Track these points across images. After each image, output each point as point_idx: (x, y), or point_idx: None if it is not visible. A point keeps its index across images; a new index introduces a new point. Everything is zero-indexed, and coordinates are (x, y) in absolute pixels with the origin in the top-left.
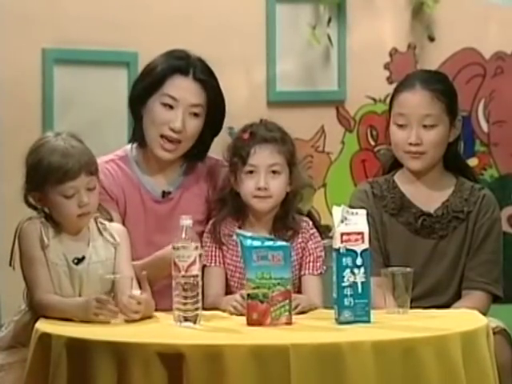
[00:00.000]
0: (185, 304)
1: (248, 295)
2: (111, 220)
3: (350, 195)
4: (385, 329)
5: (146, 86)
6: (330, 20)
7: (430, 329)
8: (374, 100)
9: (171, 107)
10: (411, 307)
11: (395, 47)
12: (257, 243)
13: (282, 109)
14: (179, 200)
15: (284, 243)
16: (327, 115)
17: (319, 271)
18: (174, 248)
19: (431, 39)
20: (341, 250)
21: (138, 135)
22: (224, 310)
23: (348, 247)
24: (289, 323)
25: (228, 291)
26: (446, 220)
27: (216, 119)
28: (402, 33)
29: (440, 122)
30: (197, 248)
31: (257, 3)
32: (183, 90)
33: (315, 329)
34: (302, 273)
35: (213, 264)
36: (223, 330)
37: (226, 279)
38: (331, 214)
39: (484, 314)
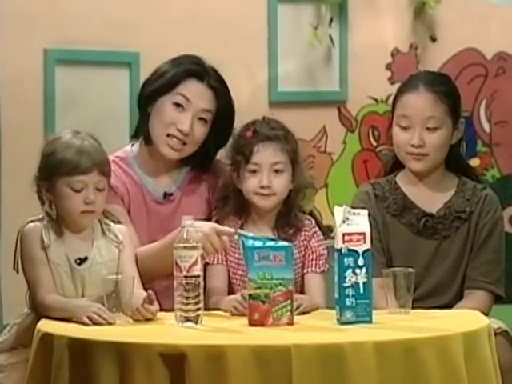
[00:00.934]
0: (186, 304)
1: (250, 295)
2: (118, 222)
3: (351, 195)
4: (386, 329)
5: (159, 86)
6: (331, 20)
7: (432, 329)
8: (376, 100)
9: (182, 108)
10: (413, 307)
11: (397, 47)
12: (258, 243)
13: (284, 109)
14: (180, 201)
15: (286, 243)
16: (329, 115)
17: (322, 269)
18: (175, 248)
19: (433, 39)
20: (342, 251)
21: (143, 131)
22: (225, 310)
23: (350, 247)
24: (290, 323)
25: (230, 289)
26: (448, 220)
27: (224, 130)
28: (403, 33)
29: (443, 124)
30: (198, 248)
31: (258, 3)
32: (197, 93)
33: (317, 329)
34: (305, 271)
35: (215, 262)
36: (225, 330)
37: (229, 277)
38: (333, 214)
39: (486, 313)
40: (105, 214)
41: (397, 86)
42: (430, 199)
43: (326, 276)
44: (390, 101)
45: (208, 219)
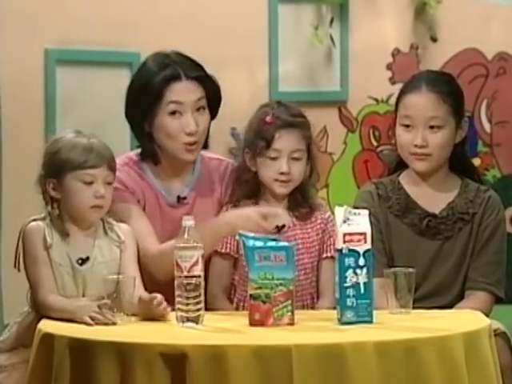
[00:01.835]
0: (187, 304)
1: (250, 295)
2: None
3: (352, 195)
4: (387, 329)
5: (146, 104)
6: (332, 20)
7: (433, 329)
8: (377, 100)
9: (180, 113)
10: (414, 308)
11: (397, 47)
12: (259, 243)
13: None
14: (194, 203)
15: (286, 244)
16: (329, 115)
17: None
18: (176, 248)
19: (434, 39)
20: (343, 251)
21: (148, 152)
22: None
23: (350, 248)
24: (291, 324)
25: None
26: (451, 221)
27: (214, 104)
28: (404, 33)
29: (446, 124)
30: (199, 248)
31: (259, 4)
32: (183, 92)
33: (317, 329)
34: (324, 255)
35: (224, 250)
36: (226, 330)
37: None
38: (334, 214)
39: (487, 314)
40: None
41: (397, 86)
42: (433, 199)
43: None
44: (391, 101)
45: None
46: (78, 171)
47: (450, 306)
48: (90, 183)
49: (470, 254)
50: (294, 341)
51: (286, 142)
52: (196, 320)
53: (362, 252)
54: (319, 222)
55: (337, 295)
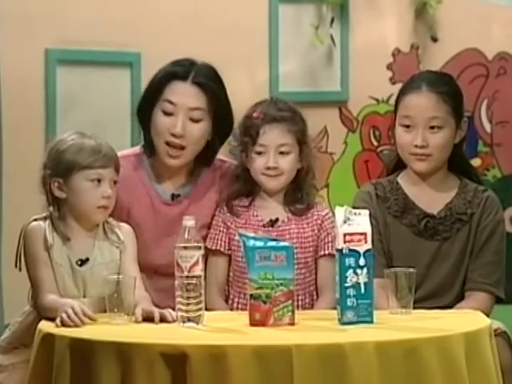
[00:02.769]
0: (188, 304)
1: (251, 295)
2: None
3: (352, 196)
4: (388, 329)
5: (147, 96)
6: (332, 20)
7: (433, 329)
8: (377, 100)
9: (171, 114)
10: (414, 308)
11: (398, 47)
12: (259, 243)
13: None
14: (190, 203)
15: (287, 244)
16: (330, 115)
17: None
18: (176, 248)
19: (434, 40)
20: (344, 251)
21: (147, 147)
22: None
23: (351, 248)
24: (291, 324)
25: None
26: (449, 222)
27: (222, 126)
28: (404, 33)
29: (446, 124)
30: (200, 248)
31: (260, 3)
32: (181, 94)
33: (318, 329)
34: (320, 253)
35: (215, 247)
36: (226, 330)
37: (236, 261)
38: (334, 214)
39: (487, 315)
40: None
41: (398, 86)
42: (432, 200)
43: None
44: (391, 101)
45: None
46: (87, 171)
47: (449, 307)
48: (98, 183)
49: (469, 255)
50: (294, 341)
51: (270, 136)
52: (196, 320)
53: (362, 252)
54: (315, 218)
55: (337, 295)
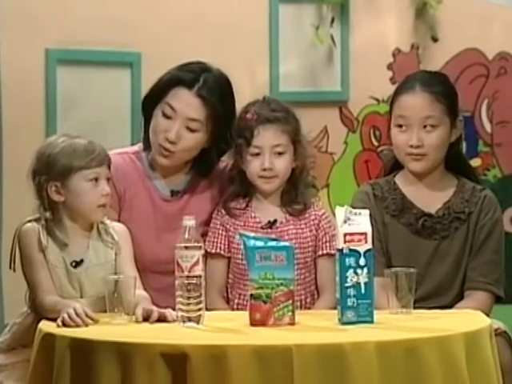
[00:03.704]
0: (188, 304)
1: (251, 295)
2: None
3: (352, 195)
4: (388, 329)
5: (152, 94)
6: (333, 20)
7: (434, 329)
8: (377, 100)
9: (170, 117)
10: (414, 308)
11: (398, 47)
12: (260, 243)
13: None
14: (189, 200)
15: (287, 243)
16: (330, 115)
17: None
18: (177, 248)
19: (434, 39)
20: (344, 251)
21: (146, 142)
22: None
23: (351, 247)
24: (292, 323)
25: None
26: (447, 221)
27: (220, 139)
28: (405, 33)
29: (441, 124)
30: (200, 248)
31: (260, 3)
32: (183, 102)
33: (318, 329)
34: (319, 253)
35: (214, 250)
36: (226, 330)
37: (235, 264)
38: (334, 214)
39: (487, 314)
40: None
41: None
42: (429, 199)
43: None
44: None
45: None
46: (85, 171)
47: (449, 307)
48: (96, 182)
49: (468, 254)
50: (294, 341)
51: (265, 137)
52: (197, 320)
53: (362, 252)
54: (312, 218)
55: (337, 295)
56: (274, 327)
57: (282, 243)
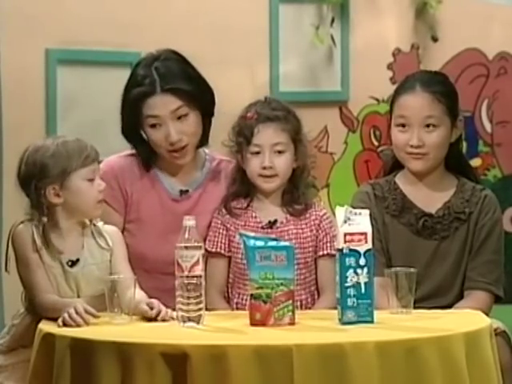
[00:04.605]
0: (188, 304)
1: (251, 295)
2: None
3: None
4: (388, 329)
5: (128, 118)
6: (333, 20)
7: (434, 329)
8: (377, 100)
9: (160, 125)
10: (414, 308)
11: (398, 47)
12: (260, 243)
13: None
14: (198, 200)
15: (287, 243)
16: (330, 115)
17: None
18: (177, 248)
19: (434, 39)
20: (344, 251)
21: (145, 160)
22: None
23: (351, 247)
24: (292, 323)
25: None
26: (447, 221)
27: (205, 106)
28: (405, 33)
29: (441, 124)
30: (200, 248)
31: (260, 3)
32: (158, 106)
33: (318, 329)
34: (320, 253)
35: (215, 249)
36: (226, 330)
37: (235, 263)
38: (334, 214)
39: (486, 314)
40: None
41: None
42: (430, 199)
43: None
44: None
45: None
46: (82, 170)
47: (449, 307)
48: (92, 179)
49: (468, 254)
50: (294, 341)
51: (264, 136)
52: (197, 320)
53: (362, 252)
54: (313, 218)
55: (337, 295)
56: (274, 327)
57: (282, 243)
